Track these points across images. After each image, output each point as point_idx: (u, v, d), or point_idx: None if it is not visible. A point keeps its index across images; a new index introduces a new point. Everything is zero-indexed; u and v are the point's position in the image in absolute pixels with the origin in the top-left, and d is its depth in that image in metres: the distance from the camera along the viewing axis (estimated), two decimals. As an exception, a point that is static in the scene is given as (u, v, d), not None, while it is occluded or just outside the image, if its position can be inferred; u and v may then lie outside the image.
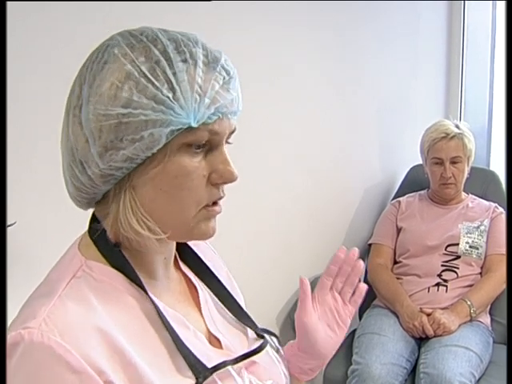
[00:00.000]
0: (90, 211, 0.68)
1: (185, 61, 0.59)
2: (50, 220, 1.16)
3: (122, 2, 1.29)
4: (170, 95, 0.58)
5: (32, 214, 1.14)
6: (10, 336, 0.56)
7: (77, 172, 0.62)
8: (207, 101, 0.59)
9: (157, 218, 0.62)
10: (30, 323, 0.56)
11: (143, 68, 0.58)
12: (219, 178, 0.63)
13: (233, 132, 0.65)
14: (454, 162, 1.98)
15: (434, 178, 2.03)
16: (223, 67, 0.62)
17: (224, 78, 0.61)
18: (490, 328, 1.86)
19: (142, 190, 0.61)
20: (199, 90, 0.59)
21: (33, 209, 1.14)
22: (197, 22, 1.49)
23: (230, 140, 0.66)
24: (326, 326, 0.83)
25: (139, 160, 0.60)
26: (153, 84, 0.58)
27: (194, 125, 0.59)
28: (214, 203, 0.65)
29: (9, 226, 1.00)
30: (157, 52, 0.59)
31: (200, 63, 0.60)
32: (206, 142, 0.62)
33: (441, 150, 1.99)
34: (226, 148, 0.65)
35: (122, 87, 0.58)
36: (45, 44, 1.16)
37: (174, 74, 0.58)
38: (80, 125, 0.60)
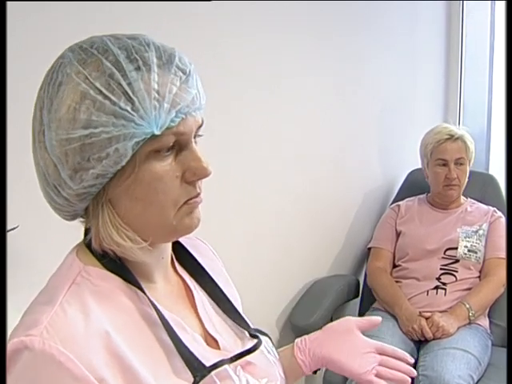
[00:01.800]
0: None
1: (138, 68, 0.58)
2: (52, 224, 1.14)
3: (122, 2, 1.29)
4: (129, 107, 0.57)
5: (34, 217, 1.13)
6: (12, 343, 0.56)
7: (53, 195, 0.63)
8: (166, 106, 0.59)
9: (137, 226, 0.63)
10: (32, 331, 0.56)
11: (97, 84, 0.57)
12: (193, 176, 0.63)
13: (201, 126, 0.65)
14: (457, 163, 1.99)
15: (437, 179, 2.02)
16: (178, 67, 0.61)
17: (181, 79, 0.61)
18: (489, 331, 1.87)
19: (119, 201, 0.62)
20: (157, 95, 0.58)
21: (35, 213, 1.13)
22: (197, 22, 1.49)
23: (200, 132, 0.66)
24: (355, 352, 0.84)
25: (110, 174, 0.60)
26: (110, 99, 0.57)
27: (157, 132, 0.59)
28: (194, 197, 0.64)
29: (11, 229, 1.00)
30: (109, 64, 0.58)
31: (154, 67, 0.59)
32: (174, 143, 0.61)
33: (445, 151, 1.99)
34: (196, 144, 0.65)
35: (80, 108, 0.57)
36: (45, 44, 1.15)
37: (129, 84, 0.58)
38: (46, 150, 0.60)
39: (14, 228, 1.01)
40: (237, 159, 1.66)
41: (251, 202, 1.76)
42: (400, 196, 2.28)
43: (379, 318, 0.90)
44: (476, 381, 1.64)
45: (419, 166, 2.17)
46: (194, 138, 0.64)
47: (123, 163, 0.59)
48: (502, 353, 1.78)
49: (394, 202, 2.26)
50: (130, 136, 0.58)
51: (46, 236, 1.16)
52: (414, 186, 2.26)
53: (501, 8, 2.54)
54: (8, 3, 0.94)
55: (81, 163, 0.59)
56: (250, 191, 1.76)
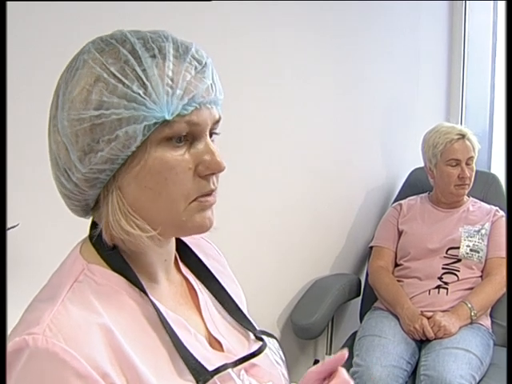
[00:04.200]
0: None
1: (154, 56, 0.59)
2: (52, 222, 1.15)
3: (123, 2, 1.29)
4: (141, 91, 0.58)
5: (34, 216, 1.13)
6: (14, 342, 0.55)
7: (63, 180, 0.63)
8: (179, 92, 0.59)
9: (145, 215, 0.62)
10: (34, 329, 0.56)
11: (112, 69, 0.58)
12: (206, 170, 0.62)
13: (217, 122, 0.65)
14: (467, 162, 1.97)
15: (449, 179, 1.98)
16: (194, 57, 0.62)
17: (196, 68, 0.61)
18: (491, 330, 1.86)
19: (128, 189, 0.61)
20: (170, 82, 0.59)
21: (35, 211, 1.14)
22: (197, 22, 1.49)
23: (216, 131, 0.65)
24: None
25: (120, 160, 0.60)
26: (123, 83, 0.58)
27: (168, 118, 0.59)
28: (207, 194, 0.64)
29: (12, 227, 1.00)
30: (125, 51, 0.59)
31: (170, 56, 0.60)
32: (187, 133, 0.61)
33: (458, 150, 1.96)
34: (212, 139, 0.64)
35: (93, 90, 0.58)
36: (45, 44, 1.15)
37: (144, 70, 0.58)
38: (58, 133, 0.61)
39: (14, 226, 1.01)
40: (238, 158, 1.66)
41: (253, 201, 1.77)
42: (402, 195, 2.27)
43: (344, 353, 0.77)
44: (478, 381, 1.64)
45: (421, 165, 2.16)
46: (211, 135, 0.64)
47: (133, 148, 0.59)
48: (504, 352, 1.78)
49: (395, 200, 2.26)
50: (140, 119, 0.58)
51: (46, 234, 1.17)
52: (415, 184, 2.26)
53: (503, 8, 2.54)
54: (8, 3, 0.94)
55: (90, 145, 0.59)
56: (252, 190, 1.76)
